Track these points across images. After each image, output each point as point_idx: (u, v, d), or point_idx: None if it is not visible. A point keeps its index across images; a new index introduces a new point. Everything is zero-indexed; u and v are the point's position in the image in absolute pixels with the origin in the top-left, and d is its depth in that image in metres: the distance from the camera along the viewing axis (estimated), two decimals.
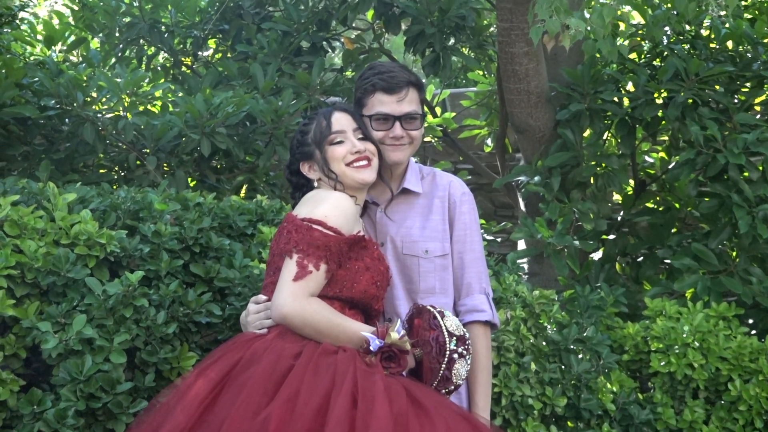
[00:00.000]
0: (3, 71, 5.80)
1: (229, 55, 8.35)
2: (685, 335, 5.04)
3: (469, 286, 3.82)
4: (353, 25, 8.52)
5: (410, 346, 3.39)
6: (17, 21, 7.39)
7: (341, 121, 3.62)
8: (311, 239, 3.35)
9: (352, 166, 3.58)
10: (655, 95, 6.69)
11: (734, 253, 6.51)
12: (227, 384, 3.24)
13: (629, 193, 7.41)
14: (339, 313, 3.40)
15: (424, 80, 8.04)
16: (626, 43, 7.24)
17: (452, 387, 3.43)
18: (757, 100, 6.95)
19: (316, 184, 3.63)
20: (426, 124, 7.18)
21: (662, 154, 7.47)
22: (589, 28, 5.23)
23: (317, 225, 3.38)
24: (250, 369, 3.24)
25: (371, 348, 3.33)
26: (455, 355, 3.38)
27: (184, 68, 8.53)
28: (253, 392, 3.16)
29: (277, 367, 3.22)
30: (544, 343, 4.75)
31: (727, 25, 6.87)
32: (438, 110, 8.85)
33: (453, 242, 3.80)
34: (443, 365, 3.37)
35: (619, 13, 5.53)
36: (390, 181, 3.79)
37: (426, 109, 4.98)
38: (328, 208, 3.42)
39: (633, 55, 7.20)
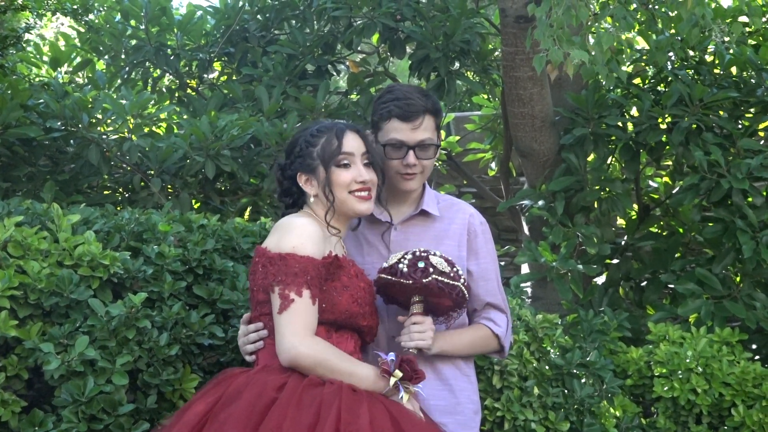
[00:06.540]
0: (8, 92, 5.82)
1: (234, 78, 8.37)
2: (688, 360, 5.03)
3: (493, 305, 3.80)
4: (358, 48, 8.55)
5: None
6: (23, 43, 7.43)
7: (352, 142, 3.51)
8: (287, 268, 3.28)
9: (354, 195, 3.49)
10: (659, 120, 6.68)
11: (738, 278, 6.50)
12: (208, 422, 3.17)
13: (633, 217, 7.40)
14: (346, 354, 3.36)
15: None
16: (630, 68, 7.25)
17: (444, 274, 3.45)
18: (761, 126, 6.95)
19: (312, 199, 3.52)
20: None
21: (666, 179, 7.47)
22: (589, 55, 5.22)
23: (288, 255, 3.32)
24: (231, 406, 3.17)
25: (390, 362, 3.32)
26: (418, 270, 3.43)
27: (189, 90, 8.56)
28: (233, 430, 3.09)
29: (259, 402, 3.15)
30: (547, 368, 4.74)
31: (731, 51, 6.88)
32: (442, 134, 8.85)
33: (479, 271, 3.77)
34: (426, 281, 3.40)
35: (624, 38, 5.54)
36: (405, 203, 3.79)
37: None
38: (295, 238, 3.34)
39: (637, 80, 7.21)
